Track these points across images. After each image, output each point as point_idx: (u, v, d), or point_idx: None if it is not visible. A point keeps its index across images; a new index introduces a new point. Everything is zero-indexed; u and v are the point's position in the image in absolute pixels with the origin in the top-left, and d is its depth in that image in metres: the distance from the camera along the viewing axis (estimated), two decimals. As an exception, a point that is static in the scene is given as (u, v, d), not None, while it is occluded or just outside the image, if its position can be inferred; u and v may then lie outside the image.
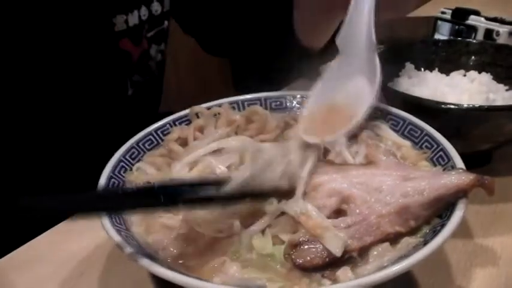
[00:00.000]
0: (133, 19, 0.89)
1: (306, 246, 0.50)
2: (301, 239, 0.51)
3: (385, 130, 0.68)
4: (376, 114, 0.69)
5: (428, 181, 0.54)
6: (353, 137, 0.65)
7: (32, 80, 0.80)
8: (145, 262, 0.47)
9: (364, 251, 0.51)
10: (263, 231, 0.53)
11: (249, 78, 1.12)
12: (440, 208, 0.53)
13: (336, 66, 0.70)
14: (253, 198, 0.53)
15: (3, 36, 0.74)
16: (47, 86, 0.82)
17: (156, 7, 0.94)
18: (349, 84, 0.68)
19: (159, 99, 1.13)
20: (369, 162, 0.61)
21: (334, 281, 0.48)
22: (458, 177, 0.53)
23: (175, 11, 1.02)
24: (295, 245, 0.51)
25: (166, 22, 0.98)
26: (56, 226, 0.72)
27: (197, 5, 1.05)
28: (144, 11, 0.91)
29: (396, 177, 0.55)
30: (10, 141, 0.81)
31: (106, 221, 0.52)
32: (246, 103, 0.76)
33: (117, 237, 0.50)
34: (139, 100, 0.96)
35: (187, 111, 0.73)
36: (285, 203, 0.53)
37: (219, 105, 0.74)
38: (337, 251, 0.49)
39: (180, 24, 1.11)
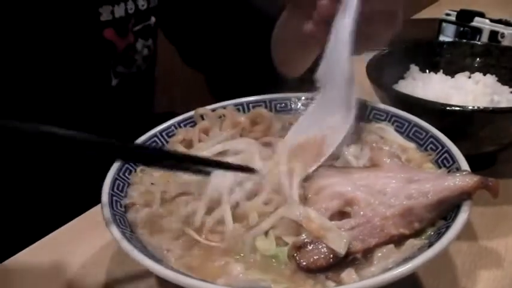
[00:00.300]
0: (119, 11, 0.90)
1: (309, 248, 0.50)
2: (305, 241, 0.51)
3: (390, 132, 0.68)
4: (381, 117, 0.70)
5: (433, 183, 0.54)
6: (357, 140, 0.65)
7: (12, 64, 0.81)
8: (150, 264, 0.47)
9: (368, 253, 0.51)
10: (266, 233, 0.53)
11: (224, 91, 1.12)
12: (445, 210, 0.52)
13: (316, 101, 0.71)
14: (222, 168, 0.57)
15: None
16: (29, 71, 0.83)
17: (142, 2, 0.95)
18: (327, 117, 0.69)
19: (151, 97, 1.14)
20: (372, 165, 0.61)
21: (339, 282, 0.48)
22: (463, 179, 0.53)
23: (160, 17, 1.03)
24: (299, 247, 0.51)
25: (153, 18, 0.99)
26: (59, 228, 0.72)
27: (181, 15, 1.07)
28: (130, 4, 0.92)
29: (400, 179, 0.55)
30: None
31: (110, 222, 0.52)
32: (250, 105, 0.76)
33: (121, 239, 0.50)
34: (126, 93, 0.97)
35: (192, 113, 0.73)
36: (285, 208, 0.54)
37: (224, 107, 0.74)
38: (341, 250, 0.49)
39: (163, 31, 1.12)
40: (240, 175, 0.57)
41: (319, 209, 0.53)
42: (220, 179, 0.57)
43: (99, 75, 0.91)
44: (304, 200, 0.55)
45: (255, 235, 0.52)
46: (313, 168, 0.61)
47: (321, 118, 0.68)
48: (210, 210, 0.55)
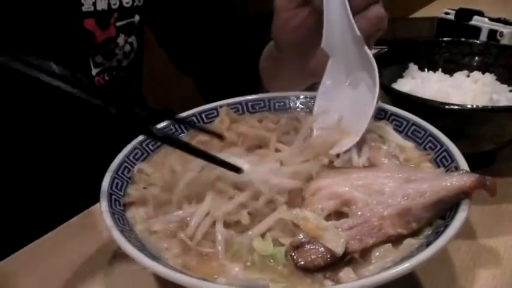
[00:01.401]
0: (101, 4, 0.90)
1: (307, 247, 0.50)
2: (302, 240, 0.51)
3: (388, 131, 0.67)
4: (380, 115, 0.70)
5: (430, 183, 0.54)
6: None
7: None
8: (148, 262, 0.47)
9: (366, 253, 0.51)
10: (263, 235, 0.53)
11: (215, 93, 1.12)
12: (443, 210, 0.52)
13: (329, 71, 0.70)
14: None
15: None
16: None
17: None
18: (348, 91, 0.68)
19: (138, 95, 1.14)
20: (370, 165, 0.61)
21: (337, 281, 0.48)
22: (460, 179, 0.53)
23: (146, 17, 1.02)
24: (296, 246, 0.51)
25: (137, 16, 0.98)
26: (58, 227, 0.72)
27: (168, 17, 1.07)
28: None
29: (398, 179, 0.55)
30: None
31: (109, 221, 0.52)
32: (249, 104, 0.76)
33: (120, 238, 0.50)
34: (107, 85, 0.97)
35: (189, 112, 0.73)
36: (281, 209, 0.54)
37: (221, 106, 0.74)
38: (339, 249, 0.49)
39: (153, 33, 1.12)
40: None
41: (316, 209, 0.54)
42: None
43: (78, 62, 0.91)
44: (302, 200, 0.55)
45: (252, 237, 0.52)
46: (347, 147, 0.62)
47: (341, 94, 0.68)
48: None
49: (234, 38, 1.04)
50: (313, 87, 0.71)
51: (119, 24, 0.94)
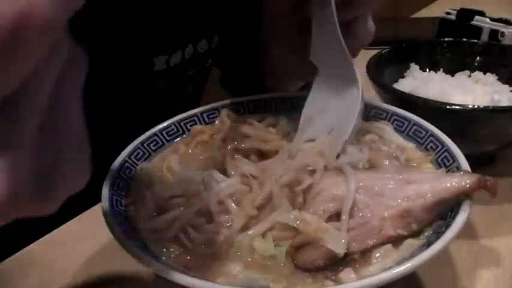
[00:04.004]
0: (175, 59, 0.84)
1: (307, 248, 0.50)
2: (303, 241, 0.51)
3: (389, 132, 0.67)
4: (381, 115, 0.70)
5: (431, 184, 0.53)
6: (356, 140, 0.65)
7: None
8: (150, 262, 0.47)
9: (366, 253, 0.51)
10: (264, 235, 0.53)
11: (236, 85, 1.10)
12: (443, 211, 0.52)
13: (316, 82, 0.70)
14: None
15: None
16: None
17: (203, 46, 0.88)
18: (332, 104, 0.68)
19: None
20: (371, 166, 0.61)
21: (337, 282, 0.48)
22: (461, 179, 0.52)
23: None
24: (297, 247, 0.51)
25: (210, 60, 0.92)
26: (59, 227, 0.72)
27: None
28: (189, 49, 0.86)
29: (398, 180, 0.55)
30: None
31: (111, 221, 0.52)
32: (251, 104, 0.76)
33: (121, 238, 0.50)
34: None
35: (190, 112, 0.73)
36: (278, 213, 0.53)
37: (222, 107, 0.74)
38: (340, 250, 0.49)
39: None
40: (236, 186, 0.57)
41: (316, 211, 0.53)
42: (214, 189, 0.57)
43: (145, 121, 0.89)
44: (302, 203, 0.55)
45: (252, 236, 0.52)
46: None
47: (325, 106, 0.68)
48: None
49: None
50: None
51: (190, 73, 0.89)
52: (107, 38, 0.76)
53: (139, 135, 0.67)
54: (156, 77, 0.83)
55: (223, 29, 0.93)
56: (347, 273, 0.48)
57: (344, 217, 0.52)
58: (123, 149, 0.65)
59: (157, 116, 0.82)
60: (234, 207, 0.56)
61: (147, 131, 0.69)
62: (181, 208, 0.56)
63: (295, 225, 0.51)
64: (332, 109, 0.68)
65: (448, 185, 0.52)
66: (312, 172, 0.57)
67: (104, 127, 0.83)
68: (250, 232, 0.53)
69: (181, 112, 0.74)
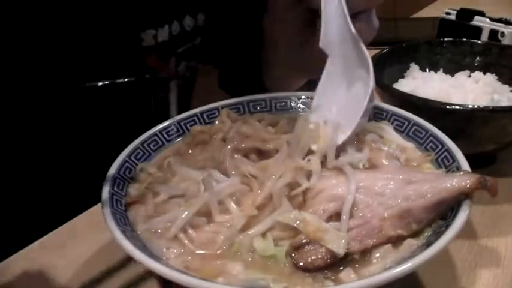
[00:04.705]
0: (163, 34, 0.85)
1: (307, 248, 0.50)
2: (303, 241, 0.51)
3: (389, 132, 0.67)
4: (381, 115, 0.70)
5: (431, 184, 0.53)
6: (357, 139, 0.65)
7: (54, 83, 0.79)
8: (149, 262, 0.47)
9: (366, 253, 0.51)
10: (264, 235, 0.53)
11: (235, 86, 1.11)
12: (443, 211, 0.52)
13: (327, 70, 0.69)
14: None
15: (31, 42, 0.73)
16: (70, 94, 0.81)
17: (189, 22, 0.90)
18: (344, 89, 0.68)
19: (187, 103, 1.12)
20: (371, 166, 0.61)
21: (337, 282, 0.48)
22: (461, 180, 0.52)
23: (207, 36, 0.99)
24: (297, 247, 0.51)
25: (198, 38, 0.94)
26: (60, 227, 0.72)
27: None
28: (175, 26, 0.87)
29: (398, 180, 0.55)
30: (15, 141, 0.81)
31: (111, 221, 0.52)
32: (251, 104, 0.76)
33: (121, 238, 0.50)
34: (162, 115, 0.95)
35: (190, 111, 0.73)
36: (279, 213, 0.53)
37: (223, 107, 0.74)
38: (340, 251, 0.49)
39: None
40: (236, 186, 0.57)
41: (317, 211, 0.53)
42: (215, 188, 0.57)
43: (141, 102, 0.89)
44: (302, 203, 0.55)
45: (252, 236, 0.52)
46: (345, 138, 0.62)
47: (336, 91, 0.68)
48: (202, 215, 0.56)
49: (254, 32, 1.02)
50: (314, 86, 0.71)
51: (179, 50, 0.90)
52: (94, 12, 0.77)
53: (141, 123, 0.68)
54: (145, 52, 0.84)
55: (208, 6, 0.94)
56: (347, 273, 0.48)
57: (344, 217, 0.52)
58: (123, 144, 0.65)
59: (152, 97, 0.85)
60: (235, 207, 0.56)
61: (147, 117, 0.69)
62: (182, 208, 0.56)
63: (295, 225, 0.51)
64: (343, 93, 0.68)
65: (448, 185, 0.52)
66: (310, 172, 0.57)
67: (101, 114, 0.83)
68: (250, 232, 0.53)
69: (179, 95, 0.76)
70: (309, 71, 0.77)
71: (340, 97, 0.68)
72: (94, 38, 0.78)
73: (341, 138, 0.62)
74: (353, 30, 0.65)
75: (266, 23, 0.78)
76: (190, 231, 0.54)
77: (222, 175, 0.60)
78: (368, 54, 0.65)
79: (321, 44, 0.68)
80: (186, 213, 0.55)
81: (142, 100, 0.93)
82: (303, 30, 0.74)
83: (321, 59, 0.69)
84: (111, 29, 0.80)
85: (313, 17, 0.70)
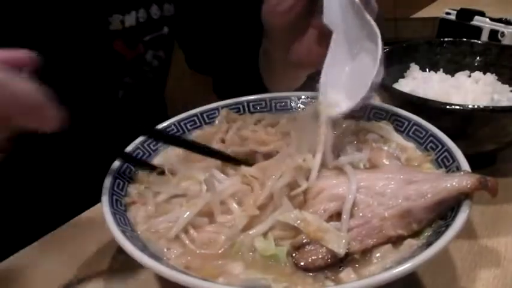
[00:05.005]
0: (130, 20, 0.87)
1: (308, 248, 0.50)
2: (303, 241, 0.51)
3: (389, 132, 0.67)
4: (381, 115, 0.70)
5: (431, 184, 0.53)
6: (357, 139, 0.65)
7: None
8: (149, 262, 0.47)
9: (366, 253, 0.51)
10: (265, 235, 0.53)
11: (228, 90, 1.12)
12: (443, 211, 0.52)
13: (333, 44, 0.69)
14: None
15: None
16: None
17: (155, 11, 0.92)
18: (352, 62, 0.68)
19: (161, 103, 1.13)
20: (372, 166, 0.61)
21: (338, 282, 0.48)
22: (461, 180, 0.52)
23: (175, 26, 1.01)
24: (297, 247, 0.51)
25: (166, 28, 0.96)
26: (60, 227, 0.72)
27: (193, 22, 1.06)
28: (142, 13, 0.90)
29: (399, 180, 0.55)
30: None
31: (111, 221, 0.52)
32: (251, 104, 0.76)
33: (121, 238, 0.50)
34: (133, 104, 0.95)
35: (190, 112, 0.73)
36: (280, 212, 0.53)
37: (223, 107, 0.74)
38: (341, 250, 0.49)
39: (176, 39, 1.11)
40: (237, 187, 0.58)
41: (317, 211, 0.53)
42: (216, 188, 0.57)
43: (106, 86, 0.90)
44: (303, 203, 0.55)
45: (253, 236, 0.52)
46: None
47: (345, 60, 0.68)
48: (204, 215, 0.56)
49: (248, 38, 1.03)
50: (313, 85, 0.71)
51: (147, 38, 0.92)
52: None
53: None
54: (112, 36, 0.86)
55: None
56: (347, 273, 0.48)
57: (345, 217, 0.52)
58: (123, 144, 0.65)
59: (118, 81, 0.87)
60: (236, 207, 0.56)
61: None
62: (183, 208, 0.56)
63: (296, 225, 0.51)
64: (351, 68, 0.68)
65: (449, 185, 0.52)
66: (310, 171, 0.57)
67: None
68: (251, 232, 0.53)
69: (144, 82, 0.81)
70: (307, 64, 0.77)
71: (349, 70, 0.68)
72: (61, 19, 0.80)
73: (348, 105, 0.63)
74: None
75: (264, 14, 0.78)
76: (192, 231, 0.54)
77: (223, 175, 0.60)
78: (374, 23, 0.65)
79: (325, 20, 0.69)
80: (188, 213, 0.55)
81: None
82: (300, 21, 0.74)
83: (318, 53, 0.69)
84: (78, 11, 0.82)
85: (310, 7, 0.70)
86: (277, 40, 0.81)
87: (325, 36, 0.70)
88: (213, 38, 1.06)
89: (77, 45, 0.83)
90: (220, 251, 0.52)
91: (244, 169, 0.60)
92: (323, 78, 0.68)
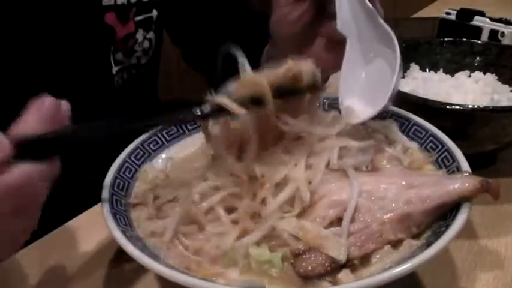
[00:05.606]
0: None
1: (307, 255, 0.50)
2: (302, 249, 0.50)
3: (395, 132, 0.67)
4: (381, 116, 0.69)
5: (432, 189, 0.53)
6: (361, 139, 0.65)
7: (10, 48, 0.80)
8: (149, 262, 0.47)
9: (366, 257, 0.51)
10: (258, 244, 0.52)
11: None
12: (444, 214, 0.52)
13: (348, 53, 0.69)
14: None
15: None
16: (28, 56, 0.82)
17: None
18: (369, 68, 0.68)
19: (154, 93, 1.15)
20: (373, 169, 0.61)
21: (335, 283, 0.48)
22: (462, 184, 0.52)
23: (162, 12, 1.03)
24: (296, 254, 0.50)
25: (155, 11, 0.98)
26: (60, 227, 0.72)
27: (181, 12, 1.08)
28: None
29: (400, 184, 0.55)
30: None
31: (111, 221, 0.52)
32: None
33: (121, 238, 0.50)
34: (127, 86, 0.97)
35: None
36: (277, 221, 0.52)
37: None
38: (341, 257, 0.49)
39: (167, 31, 1.13)
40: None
41: (317, 218, 0.53)
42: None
43: (99, 59, 0.91)
44: (302, 210, 0.54)
45: (247, 243, 0.52)
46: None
47: (362, 64, 0.68)
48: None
49: (243, 34, 1.04)
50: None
51: (137, 19, 0.94)
52: None
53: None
54: (105, 10, 0.88)
55: None
56: (345, 274, 0.48)
57: (345, 223, 0.52)
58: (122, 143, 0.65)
59: (108, 59, 0.89)
60: (224, 214, 0.55)
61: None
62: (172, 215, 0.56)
63: (295, 234, 0.51)
64: (367, 73, 0.68)
65: (450, 189, 0.52)
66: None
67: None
68: (245, 239, 0.52)
69: (134, 63, 0.85)
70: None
71: (363, 76, 0.68)
72: None
73: (369, 112, 0.63)
74: (368, 3, 0.66)
75: (273, 24, 0.79)
76: (183, 239, 0.54)
77: (214, 176, 0.58)
78: (389, 28, 0.65)
79: (339, 27, 0.69)
80: (172, 221, 0.55)
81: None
82: (308, 30, 0.75)
83: (327, 60, 0.70)
84: None
85: (318, 16, 0.71)
86: (285, 49, 0.82)
87: (333, 44, 0.71)
88: (204, 31, 1.08)
89: (69, 17, 0.85)
90: (214, 259, 0.52)
91: (238, 166, 0.58)
92: (341, 85, 0.68)
